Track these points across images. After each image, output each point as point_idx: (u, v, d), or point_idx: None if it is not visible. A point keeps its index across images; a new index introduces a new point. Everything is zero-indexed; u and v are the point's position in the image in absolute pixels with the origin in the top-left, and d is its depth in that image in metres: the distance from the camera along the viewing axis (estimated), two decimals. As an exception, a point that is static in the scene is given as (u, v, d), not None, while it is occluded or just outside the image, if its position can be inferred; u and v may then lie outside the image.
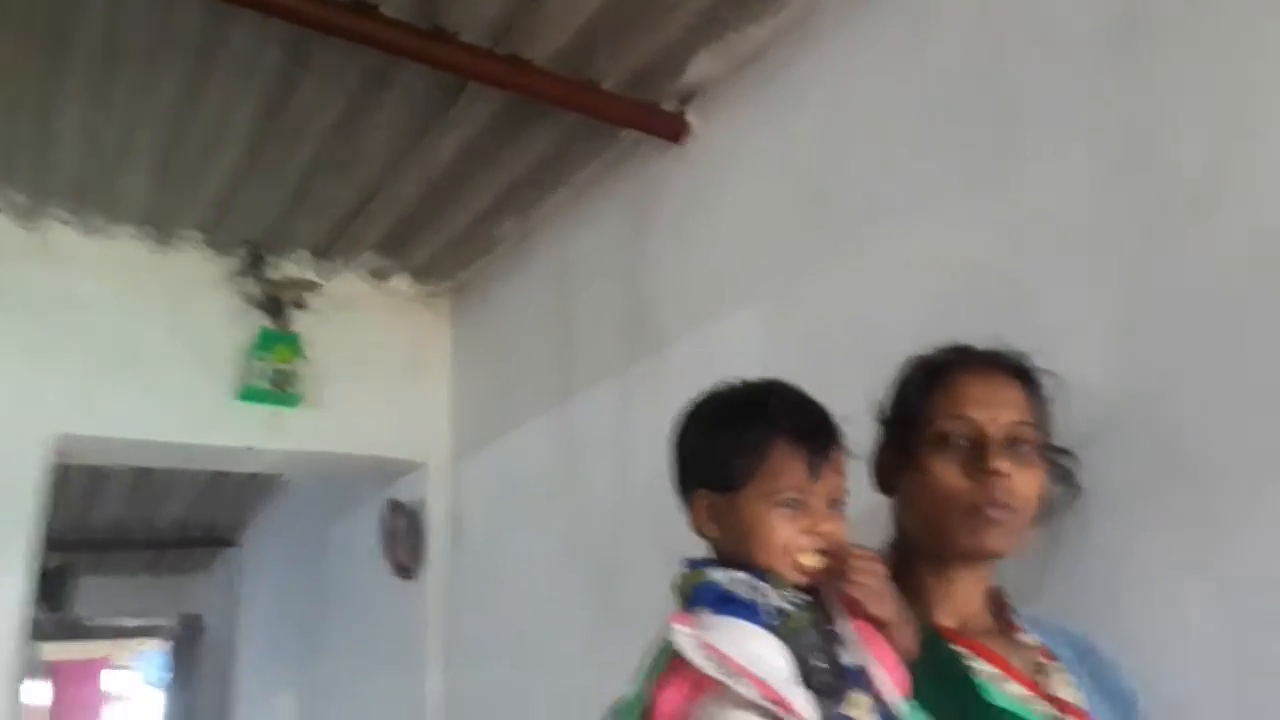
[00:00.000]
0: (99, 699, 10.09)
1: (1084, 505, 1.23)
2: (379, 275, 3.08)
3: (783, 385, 1.04)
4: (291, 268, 2.93)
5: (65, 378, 2.59)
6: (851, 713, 0.89)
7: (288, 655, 4.69)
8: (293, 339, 2.86)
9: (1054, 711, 1.03)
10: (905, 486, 1.14)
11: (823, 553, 0.95)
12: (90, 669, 10.05)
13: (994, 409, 1.08)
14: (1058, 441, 1.19)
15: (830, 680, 0.89)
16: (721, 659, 0.87)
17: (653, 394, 2.16)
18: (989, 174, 1.49)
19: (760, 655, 0.88)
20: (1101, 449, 1.22)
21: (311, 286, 2.96)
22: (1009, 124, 1.47)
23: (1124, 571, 1.22)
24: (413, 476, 3.19)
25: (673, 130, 2.18)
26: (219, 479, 4.82)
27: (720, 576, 0.95)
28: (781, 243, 1.89)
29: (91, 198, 2.57)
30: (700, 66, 2.07)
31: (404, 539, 3.19)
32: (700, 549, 1.03)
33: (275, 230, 2.77)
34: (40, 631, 4.36)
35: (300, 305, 2.93)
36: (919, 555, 1.12)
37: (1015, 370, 1.14)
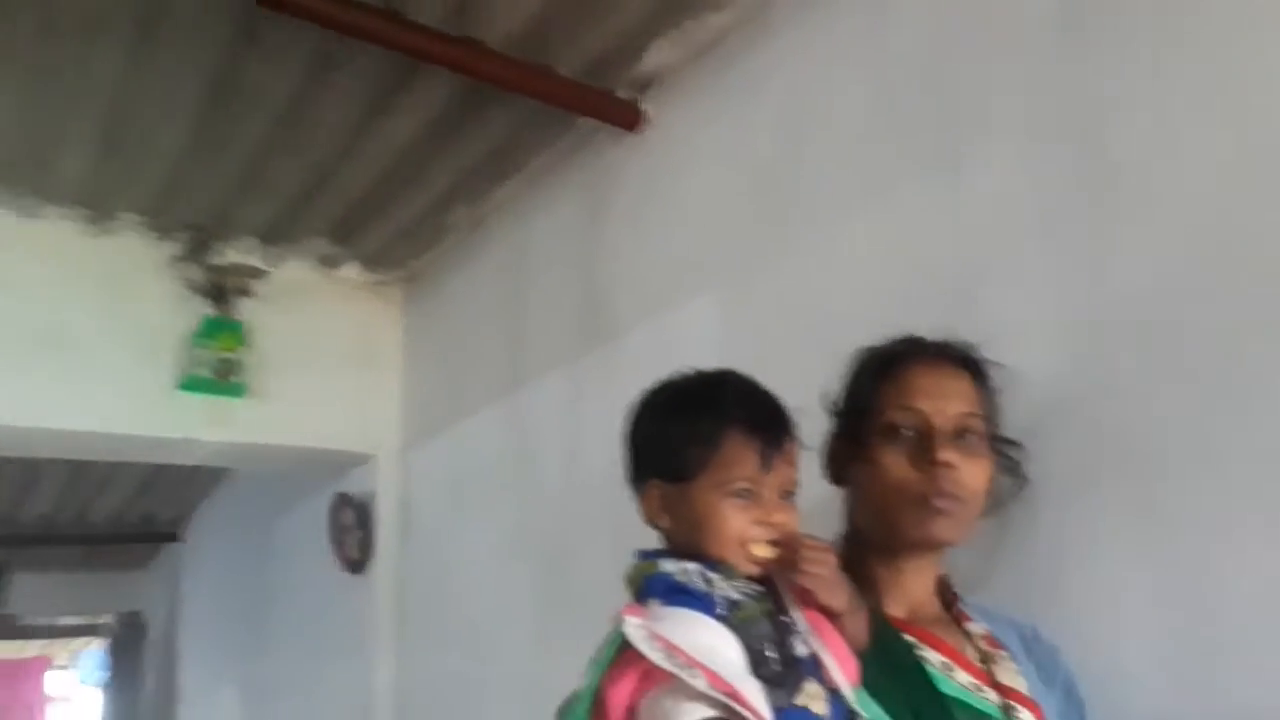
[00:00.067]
0: (39, 700, 9.82)
1: (1030, 495, 1.25)
2: (328, 263, 3.02)
3: (736, 375, 1.03)
4: (237, 254, 2.85)
5: (-5, 365, 2.50)
6: (804, 702, 0.89)
7: (233, 652, 4.61)
8: (237, 327, 2.79)
9: (1002, 699, 1.05)
10: (855, 477, 1.14)
11: (774, 543, 0.95)
12: (28, 669, 9.78)
13: (942, 400, 1.09)
14: (1006, 432, 1.20)
15: (782, 670, 0.89)
16: (672, 650, 0.86)
17: (605, 383, 2.15)
18: (941, 165, 1.50)
19: (712, 646, 0.87)
20: (1047, 440, 1.24)
21: (258, 273, 2.89)
22: (960, 115, 1.48)
23: (1068, 560, 1.25)
24: (362, 469, 3.14)
25: (629, 119, 2.16)
26: (160, 471, 4.71)
27: (672, 567, 0.94)
28: (737, 232, 1.89)
29: (24, 177, 2.47)
30: (657, 54, 2.05)
31: (353, 532, 3.14)
32: (652, 540, 1.02)
33: (220, 214, 2.69)
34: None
35: (246, 292, 2.86)
36: (869, 546, 1.13)
37: (964, 362, 1.15)
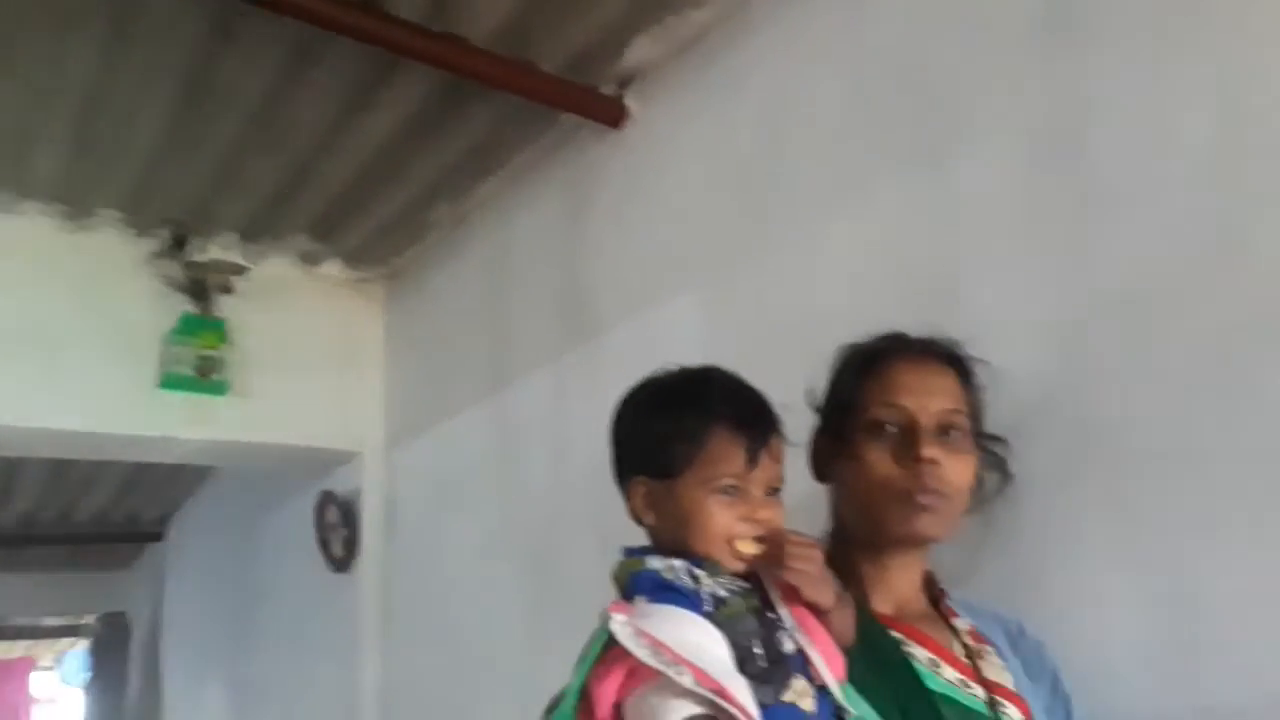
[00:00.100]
0: (24, 701, 9.75)
1: (1014, 492, 1.25)
2: (309, 259, 3.00)
3: (721, 372, 1.03)
4: (217, 250, 2.82)
5: (-28, 364, 2.47)
6: (792, 699, 0.89)
7: (217, 652, 4.58)
8: (218, 324, 2.77)
9: (988, 695, 1.05)
10: (840, 474, 1.14)
11: (760, 539, 0.95)
12: (12, 670, 9.70)
13: (926, 397, 1.09)
14: (990, 429, 1.20)
15: (769, 667, 0.89)
16: (659, 647, 0.86)
17: (590, 381, 2.14)
18: (922, 162, 1.50)
19: (698, 643, 0.87)
20: (1030, 437, 1.24)
21: (238, 270, 2.86)
22: (940, 112, 1.49)
23: (1051, 557, 1.25)
24: (346, 467, 3.12)
25: (612, 115, 2.15)
26: (144, 470, 4.66)
27: (658, 564, 0.94)
28: (720, 229, 1.88)
29: (-1, 173, 2.44)
30: (639, 50, 2.04)
31: (338, 530, 3.12)
32: (638, 537, 1.02)
33: (199, 210, 2.66)
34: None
35: (226, 289, 2.83)
36: (855, 542, 1.13)
37: (948, 358, 1.15)
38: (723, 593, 0.92)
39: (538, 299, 2.40)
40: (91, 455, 3.71)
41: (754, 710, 0.84)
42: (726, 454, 0.95)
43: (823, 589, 0.95)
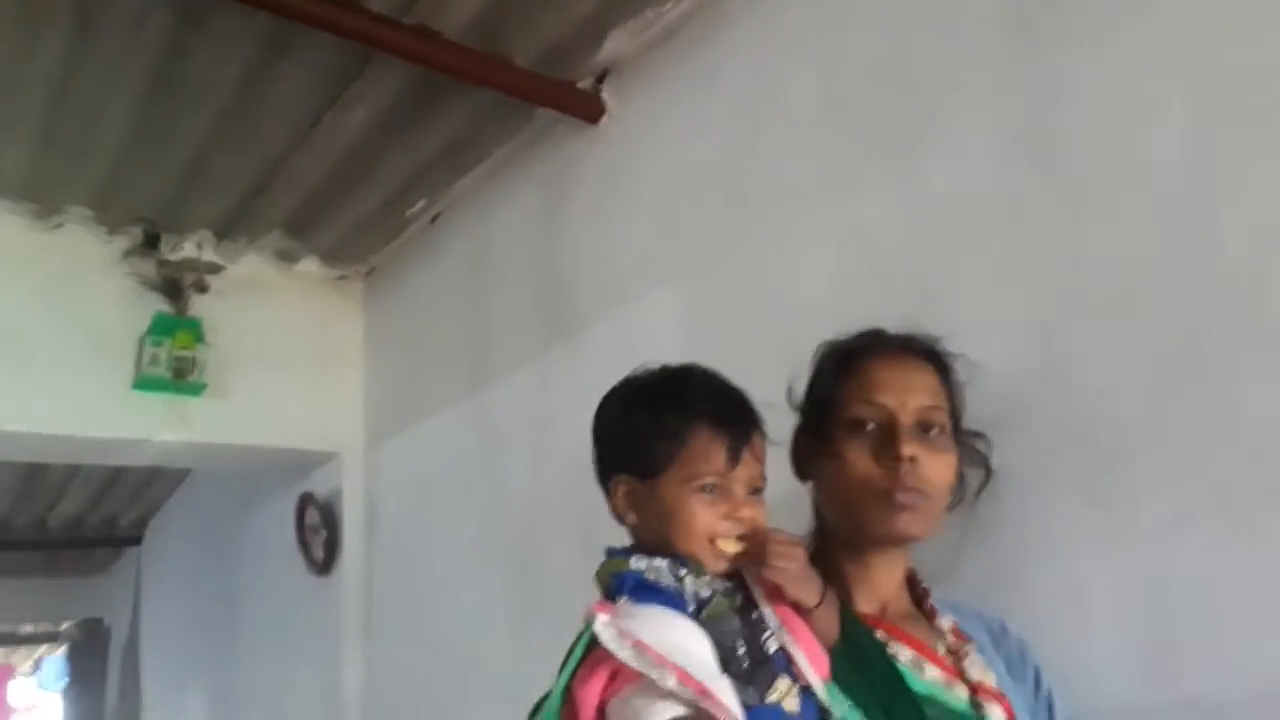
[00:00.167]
0: (2, 709, 9.63)
1: (994, 489, 1.25)
2: (286, 257, 2.96)
3: (703, 370, 1.03)
4: (191, 248, 2.78)
5: (-60, 367, 2.43)
6: (776, 699, 0.88)
7: (197, 656, 4.53)
8: (193, 324, 2.73)
9: (971, 694, 1.05)
10: (821, 472, 1.14)
11: (742, 538, 0.95)
12: (-14, 677, 9.58)
13: (904, 394, 1.08)
14: (970, 425, 1.19)
15: (753, 667, 0.89)
16: (642, 649, 0.85)
17: (571, 378, 2.13)
18: (899, 156, 1.50)
19: (682, 644, 0.87)
20: (1009, 433, 1.24)
21: (213, 268, 2.82)
22: (919, 108, 1.48)
23: (1031, 553, 1.25)
24: (326, 468, 3.09)
25: (589, 110, 2.13)
26: (120, 473, 4.62)
27: (641, 564, 0.94)
28: (698, 224, 1.87)
29: (-37, 171, 2.39)
30: (615, 44, 2.03)
31: (318, 532, 3.09)
32: (620, 536, 1.01)
33: (171, 208, 2.63)
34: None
35: (201, 288, 2.79)
36: (837, 541, 1.12)
37: (927, 355, 1.15)
38: (706, 592, 0.92)
39: (517, 296, 2.38)
40: (66, 458, 3.66)
41: (738, 711, 0.83)
42: (708, 452, 0.95)
43: (806, 587, 0.94)
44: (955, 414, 1.15)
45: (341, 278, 3.09)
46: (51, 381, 2.56)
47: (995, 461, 1.23)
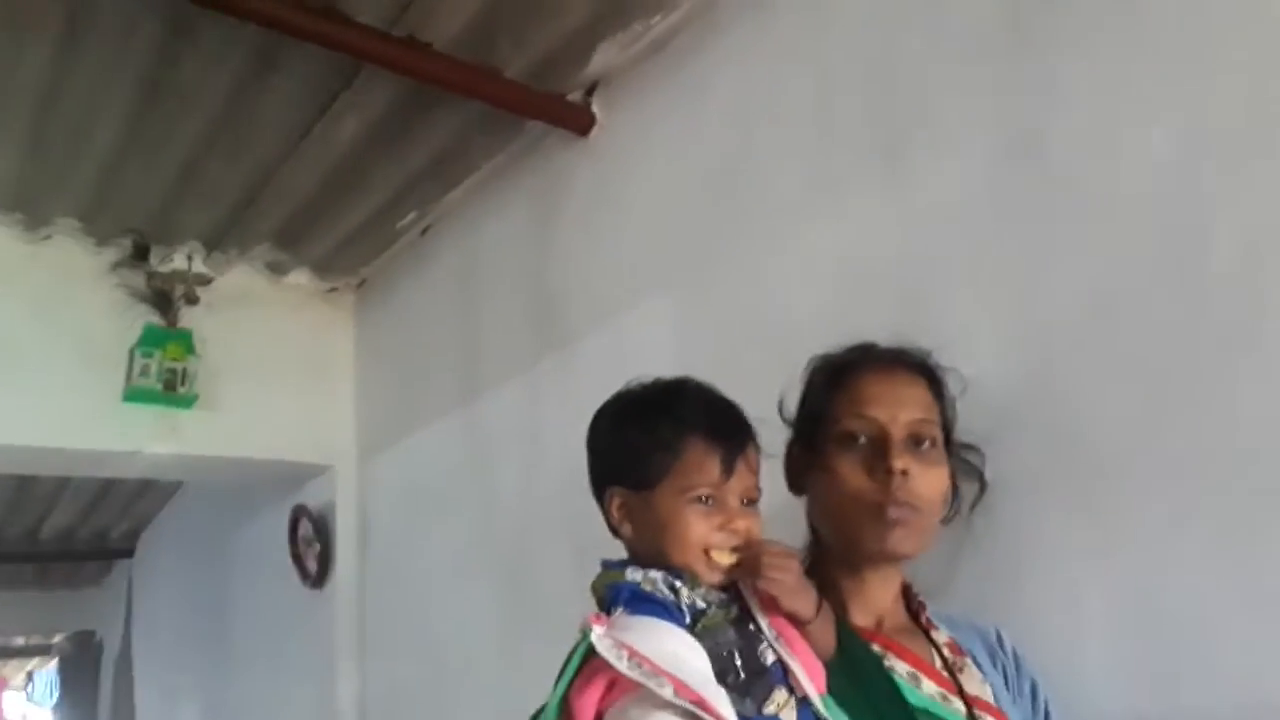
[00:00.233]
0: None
1: (988, 500, 1.25)
2: (276, 269, 2.95)
3: (696, 383, 1.03)
4: (180, 260, 2.77)
5: (-72, 380, 2.41)
6: (772, 711, 0.88)
7: (190, 670, 4.50)
8: (184, 336, 2.71)
9: (968, 709, 1.04)
10: (814, 486, 1.14)
11: (737, 549, 0.95)
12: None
13: (896, 407, 1.09)
14: (962, 436, 1.20)
15: (749, 678, 0.89)
16: (639, 659, 0.85)
17: (562, 390, 2.13)
18: (889, 166, 1.50)
19: (678, 654, 0.87)
20: (1001, 444, 1.24)
21: (203, 280, 2.81)
22: (909, 118, 1.48)
23: (1026, 561, 1.25)
24: (319, 480, 3.08)
25: (579, 122, 2.14)
26: (112, 485, 4.59)
27: (636, 576, 0.94)
28: (689, 235, 1.87)
29: (-49, 182, 2.38)
30: (605, 56, 2.03)
31: (311, 544, 3.08)
32: (613, 547, 1.01)
33: (161, 219, 2.61)
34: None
35: (192, 300, 2.77)
36: (831, 555, 1.12)
37: (919, 368, 1.15)
38: (702, 604, 0.92)
39: (508, 307, 2.38)
40: (56, 471, 3.65)
41: (734, 721, 0.83)
42: (702, 464, 0.96)
43: (801, 599, 0.94)
44: (947, 427, 1.15)
45: (332, 289, 3.09)
46: (41, 394, 2.54)
47: (988, 473, 1.23)
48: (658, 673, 0.84)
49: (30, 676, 9.04)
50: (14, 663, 8.78)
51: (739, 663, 0.89)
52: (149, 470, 3.09)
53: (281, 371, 2.93)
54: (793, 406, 1.19)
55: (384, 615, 2.87)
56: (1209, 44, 1.15)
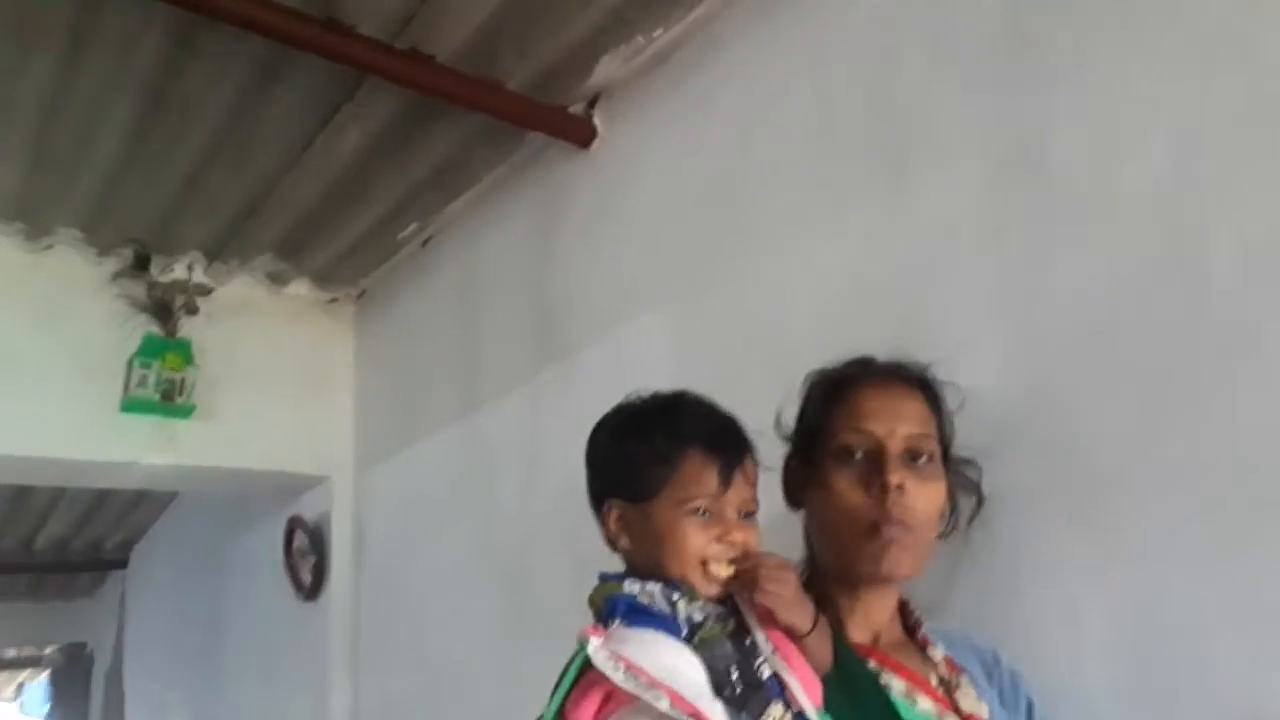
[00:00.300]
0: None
1: (986, 511, 1.25)
2: (276, 279, 2.95)
3: (694, 396, 1.04)
4: (181, 270, 2.77)
5: (-73, 389, 2.41)
6: (769, 724, 0.88)
7: (183, 683, 4.48)
8: (183, 346, 2.71)
9: None
10: (811, 501, 1.14)
11: (734, 561, 0.95)
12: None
13: (893, 422, 1.08)
14: (960, 450, 1.20)
15: (745, 692, 0.89)
16: (635, 671, 0.85)
17: (562, 401, 2.13)
18: (888, 181, 1.51)
19: (674, 667, 0.87)
20: (1000, 458, 1.24)
21: (203, 290, 2.81)
22: (907, 131, 1.49)
23: (1025, 576, 1.25)
24: (315, 491, 3.07)
25: (580, 134, 2.15)
26: (106, 496, 4.58)
27: (634, 588, 0.94)
28: (689, 248, 1.88)
29: (-47, 191, 2.39)
30: (607, 68, 2.04)
31: (307, 556, 3.07)
32: (611, 559, 1.02)
33: (162, 229, 2.62)
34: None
35: (191, 310, 2.78)
36: (828, 571, 1.12)
37: (916, 383, 1.15)
38: (699, 617, 0.92)
39: (508, 319, 2.38)
40: (53, 481, 3.64)
41: (730, 734, 0.83)
42: (699, 476, 0.96)
43: (798, 612, 0.94)
44: (945, 442, 1.15)
45: (332, 300, 3.09)
46: (39, 403, 2.54)
47: (986, 487, 1.23)
48: (654, 685, 0.84)
49: (21, 688, 8.98)
50: (5, 674, 8.73)
51: (735, 676, 0.89)
52: (146, 481, 3.08)
53: (280, 382, 2.93)
54: (790, 421, 1.19)
55: (379, 628, 2.86)
56: (1202, 67, 1.15)
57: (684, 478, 0.96)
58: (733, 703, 0.86)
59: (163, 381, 2.66)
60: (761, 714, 0.88)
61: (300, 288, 3.00)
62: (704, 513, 0.95)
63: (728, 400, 1.04)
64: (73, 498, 4.62)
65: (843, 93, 1.61)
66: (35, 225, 2.56)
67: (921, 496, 1.07)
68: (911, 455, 1.08)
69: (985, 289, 1.35)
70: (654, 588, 0.93)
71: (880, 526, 1.05)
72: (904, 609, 1.16)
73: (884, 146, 1.52)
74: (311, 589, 3.05)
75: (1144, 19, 1.22)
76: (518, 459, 2.28)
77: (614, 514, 0.99)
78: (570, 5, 1.86)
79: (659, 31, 1.93)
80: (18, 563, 5.50)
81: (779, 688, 0.90)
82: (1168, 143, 1.17)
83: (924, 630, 1.15)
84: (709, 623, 0.92)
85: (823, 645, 0.96)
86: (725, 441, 0.99)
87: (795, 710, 0.90)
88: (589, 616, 0.96)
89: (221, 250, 2.76)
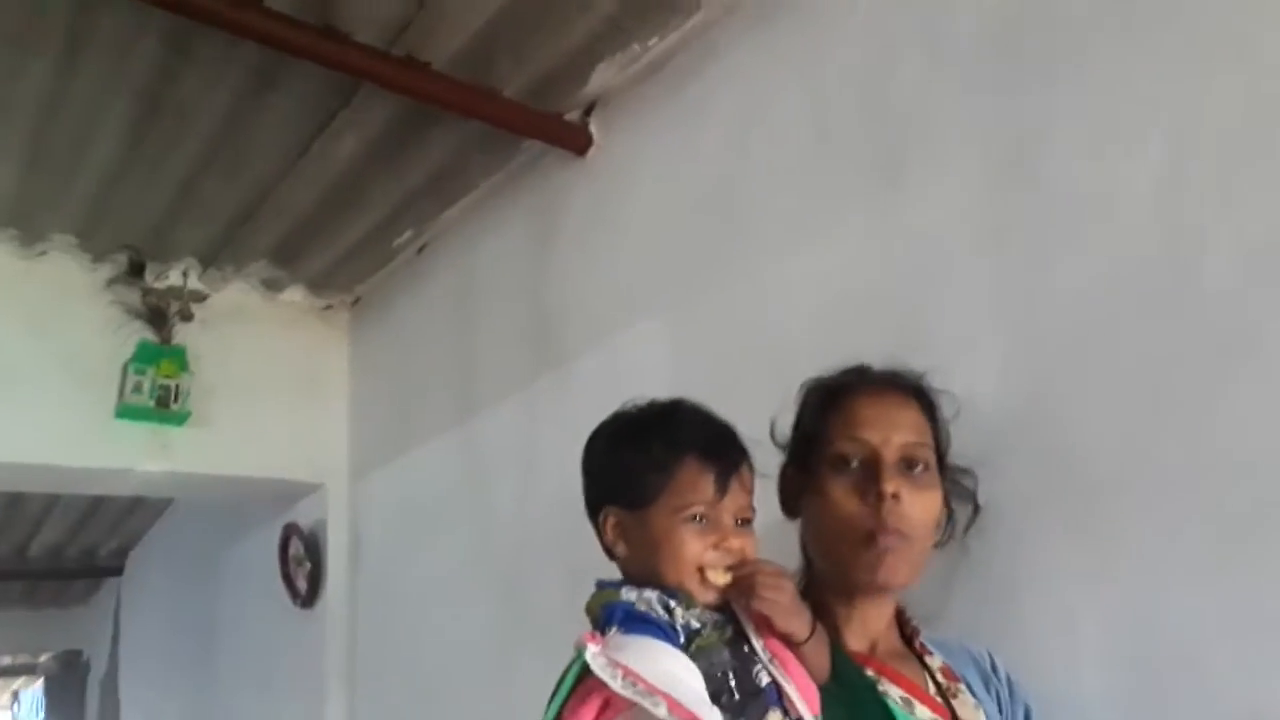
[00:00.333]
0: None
1: (983, 522, 1.25)
2: (271, 286, 2.95)
3: (690, 404, 1.04)
4: (176, 276, 2.77)
5: (-80, 396, 2.40)
6: (766, 731, 0.88)
7: (177, 690, 4.46)
8: (178, 353, 2.71)
9: None
10: (807, 509, 1.14)
11: (731, 568, 0.95)
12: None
13: (889, 430, 1.08)
14: (956, 459, 1.20)
15: (743, 700, 0.89)
16: (634, 678, 0.85)
17: (558, 408, 2.13)
18: (884, 188, 1.51)
19: (673, 673, 0.87)
20: (996, 466, 1.24)
21: (198, 296, 2.80)
22: (903, 138, 1.49)
23: (1021, 585, 1.25)
24: (310, 499, 3.06)
25: (577, 142, 2.15)
26: (101, 503, 4.55)
27: (631, 596, 0.94)
28: (685, 255, 1.88)
29: (-53, 197, 2.38)
30: (603, 76, 2.04)
31: (302, 564, 3.06)
32: (608, 567, 1.02)
33: (157, 235, 2.62)
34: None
35: (186, 317, 2.77)
36: (824, 579, 1.12)
37: (912, 391, 1.15)
38: (696, 624, 0.92)
39: (504, 326, 2.38)
40: (47, 488, 3.62)
41: (729, 740, 0.83)
42: (696, 483, 0.96)
43: (795, 619, 0.94)
44: (940, 450, 1.15)
45: (328, 307, 3.08)
46: (33, 410, 2.53)
47: (982, 496, 1.23)
48: (652, 692, 0.84)
49: (16, 696, 8.93)
50: (1, 682, 8.69)
51: (733, 684, 0.89)
52: (140, 488, 3.07)
53: (275, 389, 2.92)
54: (786, 429, 1.19)
55: (375, 635, 2.85)
56: (1198, 72, 1.15)
57: (680, 485, 0.96)
58: (730, 709, 0.86)
59: (157, 388, 2.65)
60: (762, 720, 0.87)
61: (295, 294, 3.00)
62: (701, 519, 0.95)
63: (724, 408, 1.04)
64: (67, 504, 4.60)
65: (838, 97, 1.61)
66: (29, 231, 2.55)
67: (917, 505, 1.07)
68: (907, 464, 1.08)
69: (982, 293, 1.35)
70: (651, 595, 0.93)
71: (876, 535, 1.05)
72: (901, 617, 1.16)
73: (880, 151, 1.52)
74: (307, 597, 3.04)
75: (1142, 20, 1.22)
76: (514, 466, 2.28)
77: (611, 521, 1.00)
78: (566, 13, 1.86)
79: (655, 39, 1.93)
80: (12, 570, 5.48)
81: (777, 695, 0.91)
82: (1166, 144, 1.17)
83: (921, 638, 1.15)
84: (706, 630, 0.92)
85: (820, 653, 0.96)
86: (721, 448, 0.99)
87: (794, 717, 0.90)
88: (586, 624, 0.95)
89: (216, 256, 2.76)
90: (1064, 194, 1.27)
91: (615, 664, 0.86)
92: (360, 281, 2.96)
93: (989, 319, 1.33)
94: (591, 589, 0.98)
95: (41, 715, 7.28)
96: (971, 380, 1.25)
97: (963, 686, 1.10)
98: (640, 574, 0.96)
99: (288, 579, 3.12)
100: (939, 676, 1.10)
